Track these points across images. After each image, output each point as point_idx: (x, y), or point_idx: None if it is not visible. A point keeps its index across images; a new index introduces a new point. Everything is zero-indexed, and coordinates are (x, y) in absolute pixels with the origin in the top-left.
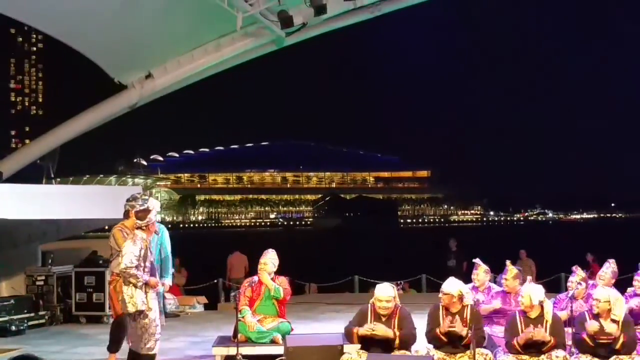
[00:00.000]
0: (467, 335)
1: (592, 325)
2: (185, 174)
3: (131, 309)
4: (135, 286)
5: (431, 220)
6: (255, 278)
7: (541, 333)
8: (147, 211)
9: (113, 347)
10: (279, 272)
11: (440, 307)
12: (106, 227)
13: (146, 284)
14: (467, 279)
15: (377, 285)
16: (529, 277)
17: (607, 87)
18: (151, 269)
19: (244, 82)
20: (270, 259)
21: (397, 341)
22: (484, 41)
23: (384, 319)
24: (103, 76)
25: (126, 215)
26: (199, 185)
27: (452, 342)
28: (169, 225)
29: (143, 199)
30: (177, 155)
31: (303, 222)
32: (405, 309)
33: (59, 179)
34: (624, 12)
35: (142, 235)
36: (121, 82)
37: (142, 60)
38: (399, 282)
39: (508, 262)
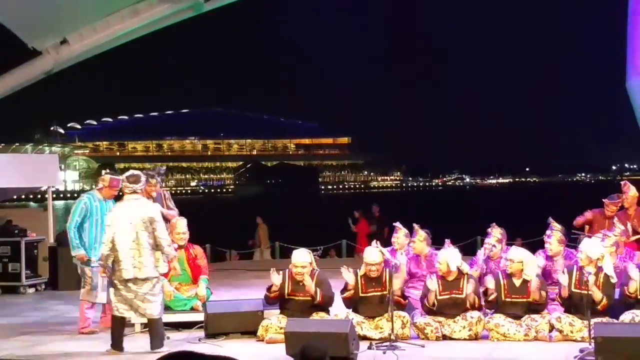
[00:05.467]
0: (387, 299)
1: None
2: (104, 142)
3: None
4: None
5: (352, 186)
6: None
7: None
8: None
9: None
10: (198, 240)
11: (358, 274)
12: (22, 196)
13: None
14: (387, 244)
15: (294, 252)
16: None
17: (519, 52)
18: None
19: (163, 49)
20: (185, 226)
21: (319, 299)
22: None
23: (301, 284)
24: (15, 42)
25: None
26: (118, 154)
27: (372, 307)
28: None
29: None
30: (95, 123)
31: (224, 190)
32: (323, 273)
33: None
34: None
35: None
36: (35, 48)
37: (57, 25)
38: (318, 247)
39: (416, 226)
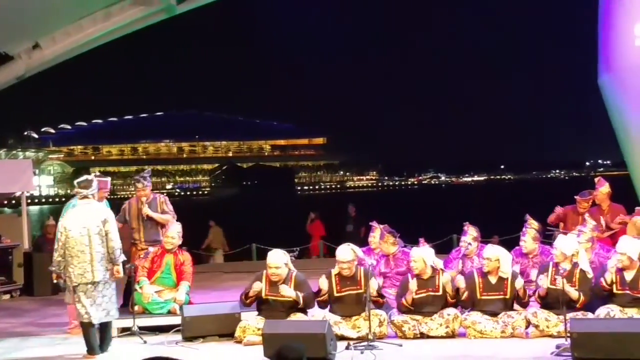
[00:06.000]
0: (364, 298)
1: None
2: (79, 146)
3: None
4: None
5: (327, 186)
6: (152, 249)
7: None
8: None
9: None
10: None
11: (332, 273)
12: None
13: None
14: (364, 243)
15: (269, 253)
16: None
17: (493, 50)
18: None
19: (138, 51)
20: (176, 232)
21: (301, 302)
22: (381, 6)
23: (278, 284)
24: None
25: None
26: (92, 158)
27: (347, 306)
28: (63, 199)
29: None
30: (69, 127)
31: (200, 192)
32: (301, 274)
33: None
34: None
35: None
36: (7, 53)
37: (29, 30)
38: (294, 248)
39: (381, 227)
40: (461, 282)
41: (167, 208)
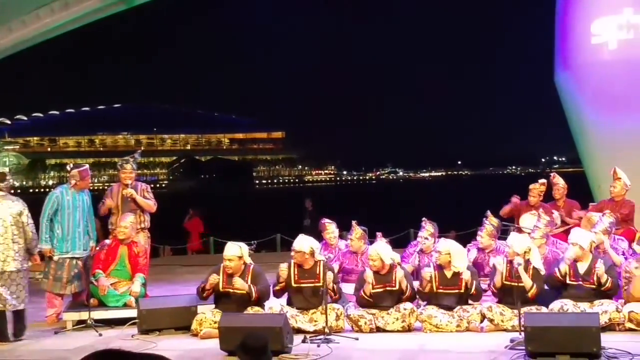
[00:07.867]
0: (321, 292)
1: (425, 273)
2: (35, 138)
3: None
4: None
5: (286, 180)
6: (107, 241)
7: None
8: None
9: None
10: None
11: (292, 264)
12: None
13: None
14: (322, 238)
15: (225, 246)
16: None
17: (450, 45)
18: None
19: (95, 42)
20: (130, 222)
21: (254, 295)
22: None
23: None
24: None
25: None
26: (49, 149)
27: (304, 298)
28: (19, 190)
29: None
30: (25, 118)
31: (158, 185)
32: (258, 266)
33: None
34: None
35: None
36: None
37: None
38: (252, 242)
39: (354, 223)
40: (427, 275)
41: (148, 196)
